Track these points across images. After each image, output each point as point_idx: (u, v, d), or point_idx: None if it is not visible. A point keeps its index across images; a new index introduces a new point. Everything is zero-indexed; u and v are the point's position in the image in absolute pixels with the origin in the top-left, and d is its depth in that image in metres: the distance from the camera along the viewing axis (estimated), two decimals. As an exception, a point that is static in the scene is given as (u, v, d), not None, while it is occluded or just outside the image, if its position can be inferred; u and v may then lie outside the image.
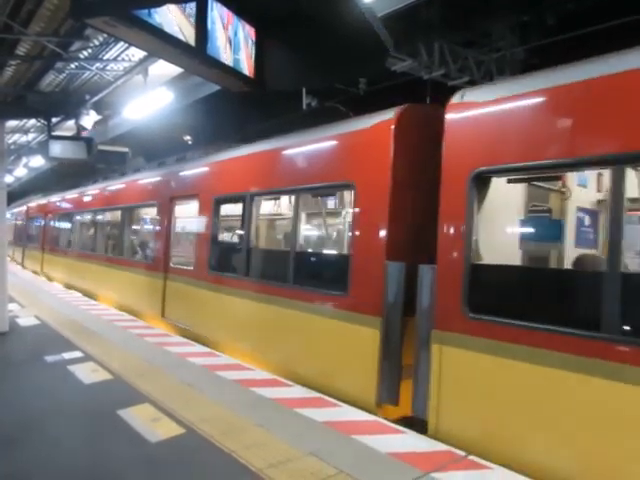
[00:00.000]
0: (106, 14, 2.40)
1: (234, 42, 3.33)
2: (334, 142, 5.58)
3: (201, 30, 2.99)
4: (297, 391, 5.17)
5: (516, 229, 4.65)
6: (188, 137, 21.25)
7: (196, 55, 3.01)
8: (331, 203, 7.72)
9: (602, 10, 7.67)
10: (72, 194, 15.35)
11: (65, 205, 15.81)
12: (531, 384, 3.58)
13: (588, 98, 3.55)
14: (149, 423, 4.23)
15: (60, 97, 8.15)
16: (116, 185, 12.12)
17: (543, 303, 3.83)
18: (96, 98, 7.83)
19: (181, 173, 8.95)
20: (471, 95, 4.29)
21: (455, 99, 4.35)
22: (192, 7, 2.91)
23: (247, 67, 3.48)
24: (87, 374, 5.62)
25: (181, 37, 2.85)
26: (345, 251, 6.34)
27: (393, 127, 4.82)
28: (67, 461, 3.62)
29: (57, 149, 7.70)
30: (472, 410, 3.94)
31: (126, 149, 14.68)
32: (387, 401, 4.66)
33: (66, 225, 15.61)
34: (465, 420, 3.98)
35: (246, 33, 3.48)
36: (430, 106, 4.93)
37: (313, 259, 6.65)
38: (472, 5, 8.74)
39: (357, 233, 5.18)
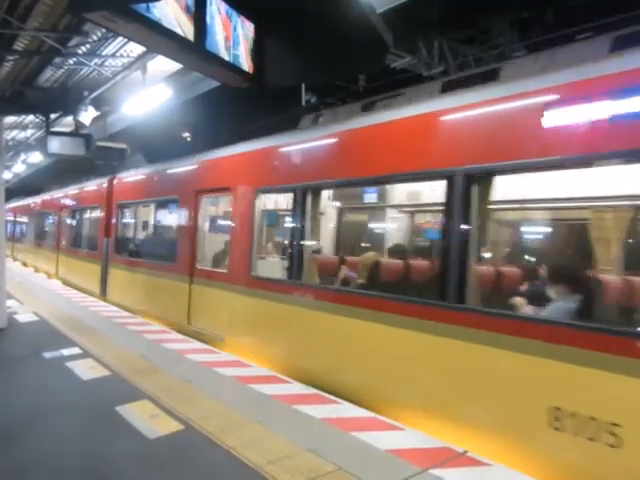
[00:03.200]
0: (105, 9, 2.38)
1: (233, 37, 3.31)
2: (98, 186, 12.74)
3: (200, 25, 2.97)
4: (295, 388, 5.17)
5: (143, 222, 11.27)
6: (187, 134, 21.21)
7: (195, 50, 2.98)
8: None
9: (603, 6, 7.66)
10: (26, 201, 22.47)
11: (22, 208, 23.20)
12: (135, 281, 9.99)
13: (148, 180, 10.60)
14: (147, 419, 4.23)
15: (58, 93, 8.11)
16: (42, 197, 19.56)
17: (139, 251, 10.54)
18: (95, 94, 7.79)
19: (62, 194, 16.51)
20: (121, 175, 11.64)
21: (118, 175, 11.75)
22: (191, 2, 2.89)
23: (246, 63, 3.45)
24: (85, 370, 5.62)
25: (180, 32, 2.83)
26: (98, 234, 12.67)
27: (106, 185, 12.01)
28: (65, 457, 3.62)
29: (55, 145, 7.65)
30: (119, 289, 10.93)
31: (124, 145, 14.65)
32: (103, 294, 11.61)
33: (23, 222, 23.75)
34: (115, 294, 11.06)
35: (245, 28, 3.45)
36: (119, 176, 11.78)
37: (94, 239, 13.00)
38: (472, 1, 8.72)
39: (100, 226, 12.18)
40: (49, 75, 7.75)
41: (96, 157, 12.90)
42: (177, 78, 7.36)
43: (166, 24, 2.68)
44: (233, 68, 3.36)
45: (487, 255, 5.27)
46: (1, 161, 8.28)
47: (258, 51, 3.58)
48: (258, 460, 3.49)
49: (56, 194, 17.28)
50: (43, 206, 18.91)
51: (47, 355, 6.27)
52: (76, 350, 6.50)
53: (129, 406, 4.52)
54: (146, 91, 7.08)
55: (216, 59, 3.18)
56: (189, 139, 21.20)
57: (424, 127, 4.75)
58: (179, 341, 7.22)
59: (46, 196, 18.92)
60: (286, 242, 7.25)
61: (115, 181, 11.63)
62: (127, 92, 7.57)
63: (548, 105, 3.72)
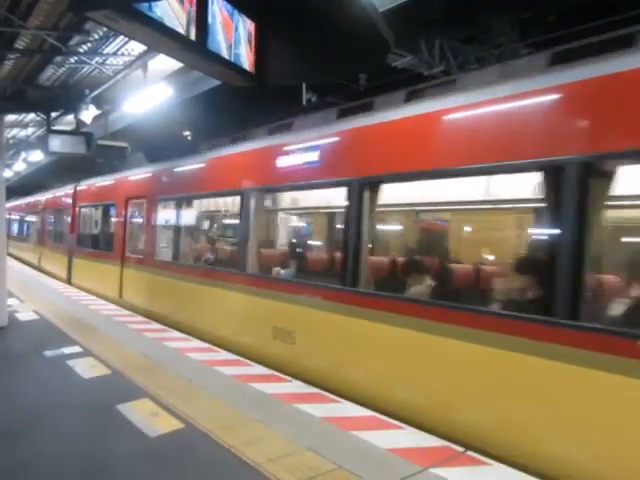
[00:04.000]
0: (107, 8, 2.38)
1: (234, 37, 3.32)
2: (68, 191, 15.44)
3: (201, 24, 2.97)
4: (295, 386, 5.18)
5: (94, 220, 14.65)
6: (188, 132, 21.18)
7: (196, 49, 2.99)
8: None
9: (604, 5, 7.65)
10: (17, 202, 25.87)
11: (14, 208, 26.21)
12: (87, 267, 13.14)
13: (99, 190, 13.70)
14: (148, 418, 4.24)
15: (59, 91, 8.10)
16: (30, 199, 22.67)
17: (91, 243, 13.72)
18: (95, 93, 7.79)
19: (45, 197, 19.45)
20: (82, 182, 14.65)
21: (81, 183, 14.82)
22: (192, 1, 2.90)
23: (247, 62, 3.46)
24: (86, 369, 5.64)
25: (181, 31, 2.83)
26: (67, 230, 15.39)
27: (73, 191, 14.99)
28: (67, 455, 3.63)
29: (56, 144, 7.66)
30: (79, 274, 13.77)
31: (125, 144, 14.64)
32: (68, 279, 14.30)
33: (15, 220, 27.66)
34: (76, 279, 13.88)
35: (247, 28, 3.46)
36: (81, 183, 14.57)
37: (61, 233, 16.29)
38: (473, 0, 8.70)
39: (68, 224, 15.11)
40: (50, 73, 7.74)
41: (97, 155, 12.97)
42: (178, 77, 7.35)
43: (168, 23, 2.69)
44: (234, 67, 3.37)
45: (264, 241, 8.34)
46: (2, 159, 8.28)
47: (259, 50, 3.59)
48: (258, 458, 3.50)
49: (40, 197, 20.34)
50: (31, 207, 22.06)
51: (48, 353, 6.28)
52: (77, 349, 6.51)
53: (130, 404, 4.53)
54: (147, 90, 7.09)
55: (217, 58, 3.19)
56: (189, 138, 21.17)
57: (232, 163, 7.68)
58: (179, 340, 7.23)
59: (32, 198, 22.07)
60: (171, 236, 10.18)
61: (78, 187, 14.79)
62: (128, 91, 7.58)
63: (281, 154, 6.35)
